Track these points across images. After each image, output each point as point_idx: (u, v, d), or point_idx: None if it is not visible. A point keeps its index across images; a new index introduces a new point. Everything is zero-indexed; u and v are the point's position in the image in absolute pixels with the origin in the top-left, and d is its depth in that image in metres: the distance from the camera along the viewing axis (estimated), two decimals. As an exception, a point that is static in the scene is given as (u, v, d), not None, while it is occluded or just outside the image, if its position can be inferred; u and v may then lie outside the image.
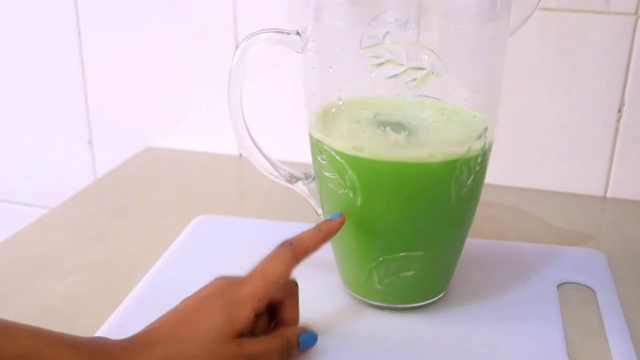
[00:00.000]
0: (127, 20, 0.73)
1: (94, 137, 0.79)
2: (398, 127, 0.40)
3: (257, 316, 0.38)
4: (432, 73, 0.39)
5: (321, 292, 0.48)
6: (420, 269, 0.43)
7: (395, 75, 0.39)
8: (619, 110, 0.62)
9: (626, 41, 0.59)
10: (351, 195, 0.42)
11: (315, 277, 0.49)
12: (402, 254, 0.43)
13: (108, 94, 0.77)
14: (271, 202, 0.64)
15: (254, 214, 0.59)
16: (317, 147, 0.43)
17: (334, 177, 0.43)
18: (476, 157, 0.41)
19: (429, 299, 0.46)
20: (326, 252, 0.48)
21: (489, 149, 0.43)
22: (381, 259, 0.43)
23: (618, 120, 0.62)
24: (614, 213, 0.63)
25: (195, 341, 0.36)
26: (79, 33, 0.75)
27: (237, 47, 0.44)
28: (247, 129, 0.46)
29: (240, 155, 0.74)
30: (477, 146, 0.41)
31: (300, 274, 0.50)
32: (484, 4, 0.40)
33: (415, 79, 0.39)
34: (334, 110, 0.42)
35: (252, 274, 0.39)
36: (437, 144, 0.40)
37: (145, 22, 0.72)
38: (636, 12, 0.59)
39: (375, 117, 0.41)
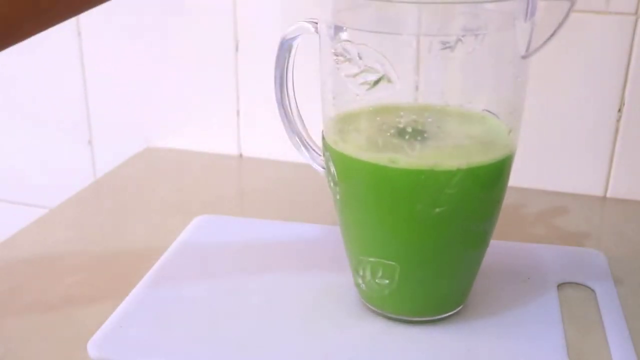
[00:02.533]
0: (127, 21, 0.73)
1: (94, 137, 0.79)
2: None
3: None
4: (387, 79, 0.38)
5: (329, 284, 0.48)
6: (399, 281, 0.42)
7: (353, 75, 0.39)
8: (619, 110, 0.62)
9: (626, 41, 0.59)
10: (332, 186, 0.43)
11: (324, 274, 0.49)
12: (373, 259, 0.42)
13: (108, 94, 0.77)
14: (271, 202, 0.64)
15: (254, 214, 0.59)
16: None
17: (324, 165, 0.44)
18: (448, 177, 0.38)
19: (417, 316, 0.44)
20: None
21: (471, 173, 0.39)
22: (359, 258, 0.43)
23: (618, 120, 0.62)
24: (614, 213, 0.63)
25: None
26: (79, 33, 0.75)
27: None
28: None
29: (240, 155, 0.74)
30: (450, 166, 0.38)
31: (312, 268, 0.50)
32: (504, 12, 0.39)
33: (369, 82, 0.39)
34: (342, 107, 0.42)
35: None
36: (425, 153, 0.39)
37: (145, 22, 0.72)
38: (636, 12, 0.59)
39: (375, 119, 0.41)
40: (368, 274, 0.43)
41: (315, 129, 0.46)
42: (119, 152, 0.75)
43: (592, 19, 0.59)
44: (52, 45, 0.76)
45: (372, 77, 0.39)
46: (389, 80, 0.38)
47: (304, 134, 0.46)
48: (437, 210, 0.39)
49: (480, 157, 0.39)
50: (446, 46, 0.38)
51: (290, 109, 0.46)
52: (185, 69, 0.72)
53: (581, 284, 0.49)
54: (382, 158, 0.39)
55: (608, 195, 0.65)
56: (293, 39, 0.44)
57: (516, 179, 0.68)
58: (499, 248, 0.52)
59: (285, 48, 0.44)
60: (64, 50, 0.75)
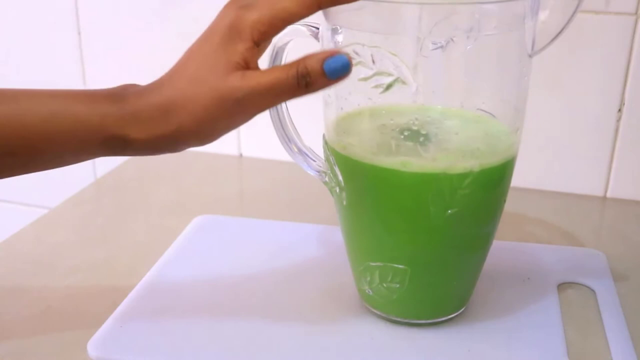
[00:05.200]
0: (127, 20, 0.73)
1: (94, 137, 0.78)
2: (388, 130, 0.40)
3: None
4: (401, 81, 0.38)
5: (331, 289, 0.48)
6: (409, 284, 0.42)
7: (365, 78, 0.39)
8: (619, 110, 0.62)
9: (626, 41, 0.59)
10: (337, 192, 0.42)
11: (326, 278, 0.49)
12: (382, 263, 0.42)
13: (108, 94, 0.76)
14: (271, 202, 0.64)
15: (254, 214, 0.59)
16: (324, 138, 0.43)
17: (326, 170, 0.43)
18: (461, 179, 0.38)
19: (423, 319, 0.44)
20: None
21: (482, 174, 0.39)
22: (367, 263, 0.43)
23: (618, 120, 0.62)
24: (614, 213, 0.63)
25: (197, 80, 0.36)
26: (79, 33, 0.75)
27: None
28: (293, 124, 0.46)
29: (240, 155, 0.74)
30: (462, 167, 0.38)
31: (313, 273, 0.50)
32: (509, 11, 0.39)
33: (381, 85, 0.38)
34: (347, 111, 0.42)
35: (262, 3, 0.36)
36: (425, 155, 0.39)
37: (145, 21, 0.72)
38: (636, 12, 0.59)
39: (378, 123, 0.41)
40: (376, 279, 0.43)
41: (307, 134, 0.47)
42: (119, 152, 0.75)
43: (592, 19, 0.59)
44: (52, 45, 0.76)
45: (386, 80, 0.38)
46: (404, 83, 0.38)
47: (296, 139, 0.46)
48: (450, 211, 0.39)
49: (490, 157, 0.39)
50: (437, 46, 0.38)
51: (283, 115, 0.46)
52: (185, 68, 0.72)
53: (581, 284, 0.49)
54: (394, 162, 0.38)
55: (608, 195, 0.65)
56: (286, 44, 0.43)
57: (516, 179, 0.68)
58: (499, 248, 0.52)
59: (277, 53, 0.44)
60: (64, 49, 0.75)
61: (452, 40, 0.37)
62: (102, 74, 0.76)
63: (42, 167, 0.39)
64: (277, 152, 0.73)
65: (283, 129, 0.46)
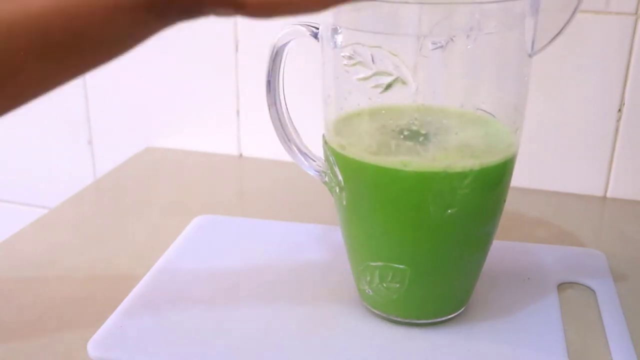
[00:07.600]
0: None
1: (94, 137, 0.79)
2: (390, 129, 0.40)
3: None
4: (401, 81, 0.38)
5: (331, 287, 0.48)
6: (409, 284, 0.42)
7: (365, 78, 0.39)
8: (619, 110, 0.62)
9: (626, 41, 0.59)
10: (337, 191, 0.42)
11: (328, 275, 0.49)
12: (381, 263, 0.42)
13: (108, 94, 0.77)
14: (271, 202, 0.64)
15: (254, 214, 0.59)
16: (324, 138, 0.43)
17: (326, 170, 0.43)
18: (461, 178, 0.38)
19: (423, 319, 0.44)
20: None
21: (482, 173, 0.39)
22: (367, 263, 0.43)
23: (618, 120, 0.62)
24: (614, 213, 0.63)
25: None
26: (79, 33, 0.75)
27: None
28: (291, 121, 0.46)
29: (240, 155, 0.74)
30: (463, 166, 0.38)
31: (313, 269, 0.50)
32: (509, 11, 0.39)
33: (381, 84, 0.38)
34: (347, 111, 0.42)
35: None
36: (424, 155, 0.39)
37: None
38: (636, 12, 0.59)
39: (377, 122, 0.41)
40: (376, 279, 0.43)
41: (307, 134, 0.47)
42: (119, 152, 0.75)
43: (592, 19, 0.59)
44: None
45: (386, 80, 0.38)
46: (404, 82, 0.38)
47: (296, 139, 0.46)
48: (449, 211, 0.39)
49: (490, 157, 0.39)
50: (437, 46, 0.38)
51: (283, 115, 0.46)
52: (185, 69, 0.72)
53: (581, 284, 0.49)
54: (394, 162, 0.38)
55: (608, 195, 0.65)
56: (286, 44, 0.43)
57: (516, 179, 0.68)
58: (500, 248, 0.52)
59: (277, 53, 0.43)
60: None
61: (452, 40, 0.37)
62: (102, 74, 0.76)
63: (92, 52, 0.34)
64: (277, 152, 0.73)
65: (283, 129, 0.46)
